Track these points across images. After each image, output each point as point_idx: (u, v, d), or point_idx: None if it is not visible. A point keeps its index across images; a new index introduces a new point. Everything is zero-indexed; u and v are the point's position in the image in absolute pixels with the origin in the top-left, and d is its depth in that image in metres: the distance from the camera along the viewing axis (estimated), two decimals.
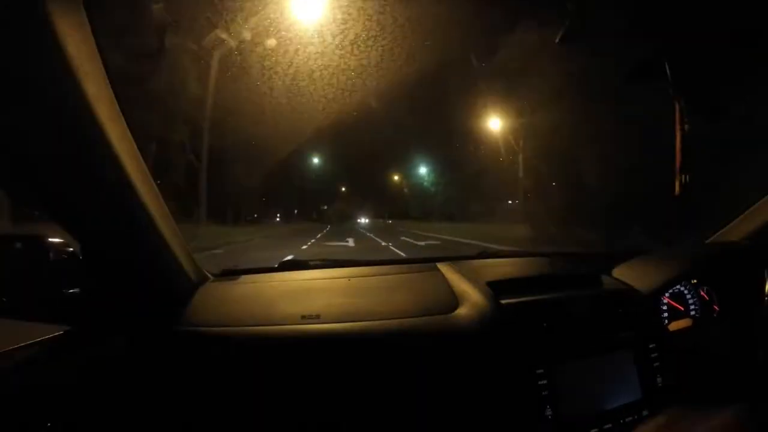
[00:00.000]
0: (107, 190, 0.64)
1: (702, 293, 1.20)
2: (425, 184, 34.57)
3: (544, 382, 0.86)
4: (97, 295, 0.75)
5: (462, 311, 0.95)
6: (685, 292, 1.18)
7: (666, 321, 1.12)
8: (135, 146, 0.68)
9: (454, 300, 0.99)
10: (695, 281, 1.19)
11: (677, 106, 0.83)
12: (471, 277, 1.06)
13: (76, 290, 0.72)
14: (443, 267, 1.20)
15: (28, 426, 0.60)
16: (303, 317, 0.91)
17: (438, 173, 31.92)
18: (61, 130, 0.57)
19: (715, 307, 1.20)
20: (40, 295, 0.71)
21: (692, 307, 1.18)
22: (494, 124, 16.52)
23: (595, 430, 0.87)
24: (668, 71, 0.78)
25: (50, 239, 0.70)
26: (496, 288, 1.00)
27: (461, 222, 22.01)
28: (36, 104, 0.54)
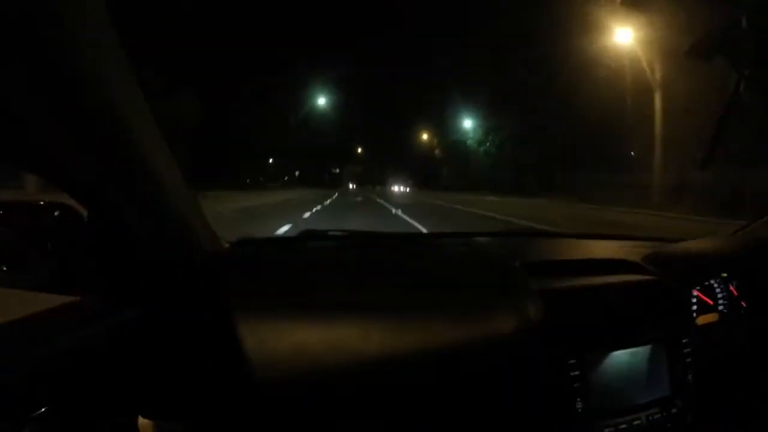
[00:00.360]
0: (121, 159, 0.60)
1: (731, 288, 1.17)
2: (469, 141, 26.08)
3: (577, 373, 0.83)
4: (109, 264, 0.72)
5: (497, 294, 0.90)
6: (715, 285, 1.15)
7: (695, 315, 1.09)
8: (149, 111, 0.63)
9: (489, 280, 0.94)
10: (725, 275, 1.16)
11: (738, 86, 0.80)
12: (506, 256, 1.05)
13: (85, 258, 0.71)
14: (477, 243, 1.21)
15: (26, 403, 0.56)
16: (328, 300, 0.83)
17: (488, 128, 23.35)
18: (75, 108, 0.52)
19: (743, 303, 1.17)
20: (52, 264, 0.71)
21: (720, 301, 1.15)
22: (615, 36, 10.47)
23: (624, 425, 0.85)
24: (737, 47, 0.71)
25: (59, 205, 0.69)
26: (531, 269, 0.96)
27: (533, 197, 15.37)
28: (46, 79, 0.48)
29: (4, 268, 0.68)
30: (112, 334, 0.68)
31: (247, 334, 0.74)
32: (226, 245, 0.99)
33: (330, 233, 1.20)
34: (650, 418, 0.87)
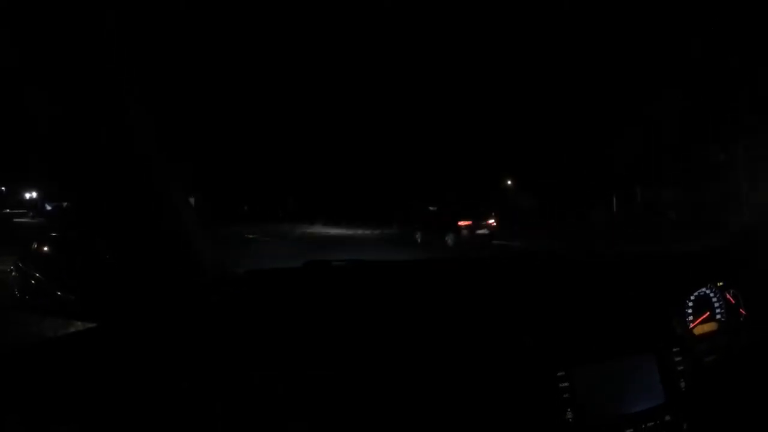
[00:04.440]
0: (143, 204, 0.71)
1: (728, 296, 1.19)
2: None
3: (565, 385, 0.86)
4: (129, 294, 0.78)
5: (489, 315, 0.95)
6: (711, 294, 1.18)
7: (691, 325, 1.12)
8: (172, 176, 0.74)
9: (484, 303, 0.98)
10: (721, 284, 1.18)
11: None
12: (494, 282, 1.08)
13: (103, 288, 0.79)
14: (476, 268, 1.26)
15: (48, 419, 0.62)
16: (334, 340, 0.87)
17: None
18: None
19: (742, 311, 1.19)
20: (76, 293, 0.78)
21: (718, 310, 1.17)
22: None
23: None
24: None
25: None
26: (517, 293, 1.00)
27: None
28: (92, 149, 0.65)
29: (27, 297, 0.77)
30: (129, 358, 0.73)
31: (255, 359, 0.79)
32: (236, 276, 1.04)
33: (333, 263, 1.23)
34: (644, 426, 0.88)
